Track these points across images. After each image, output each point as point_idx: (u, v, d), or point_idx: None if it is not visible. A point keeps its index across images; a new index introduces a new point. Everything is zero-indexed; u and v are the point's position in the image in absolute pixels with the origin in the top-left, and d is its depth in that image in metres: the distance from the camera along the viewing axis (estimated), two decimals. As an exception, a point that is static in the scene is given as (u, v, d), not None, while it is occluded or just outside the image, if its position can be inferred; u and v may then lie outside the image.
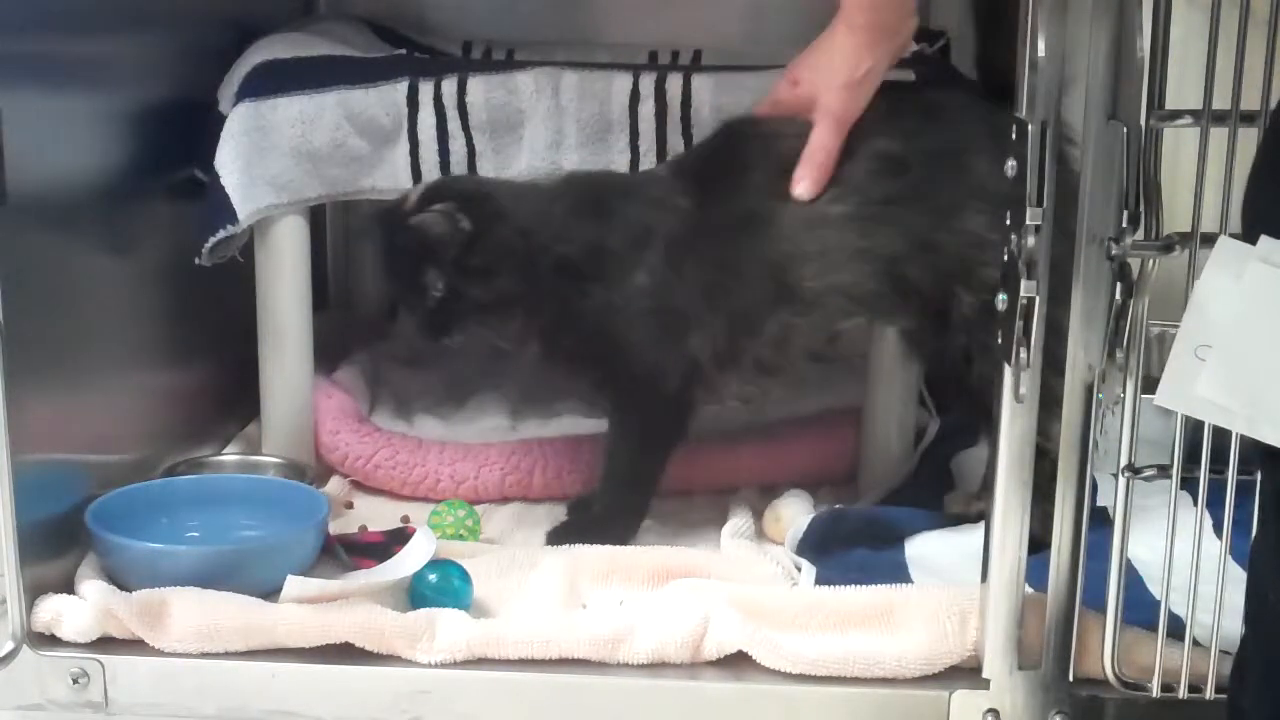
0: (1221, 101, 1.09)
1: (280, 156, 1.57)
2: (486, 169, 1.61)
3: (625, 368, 1.49)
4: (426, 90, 1.59)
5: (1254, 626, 1.02)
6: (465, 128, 1.60)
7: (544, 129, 1.60)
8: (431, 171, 1.61)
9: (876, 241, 1.44)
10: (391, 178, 1.62)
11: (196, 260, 1.59)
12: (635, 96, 1.60)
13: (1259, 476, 1.04)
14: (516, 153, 1.60)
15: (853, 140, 1.44)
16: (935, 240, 1.43)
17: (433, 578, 1.34)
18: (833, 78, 1.43)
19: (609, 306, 1.47)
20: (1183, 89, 1.12)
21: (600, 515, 1.55)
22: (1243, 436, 1.10)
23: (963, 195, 1.43)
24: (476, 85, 1.59)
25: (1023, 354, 1.14)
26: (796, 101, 1.45)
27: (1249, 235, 0.99)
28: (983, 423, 1.51)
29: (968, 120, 1.45)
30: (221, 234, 1.57)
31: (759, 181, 1.46)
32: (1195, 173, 1.09)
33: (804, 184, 1.43)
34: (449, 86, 1.59)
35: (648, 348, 1.48)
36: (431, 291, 1.47)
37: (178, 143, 1.62)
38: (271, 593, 1.31)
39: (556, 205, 1.50)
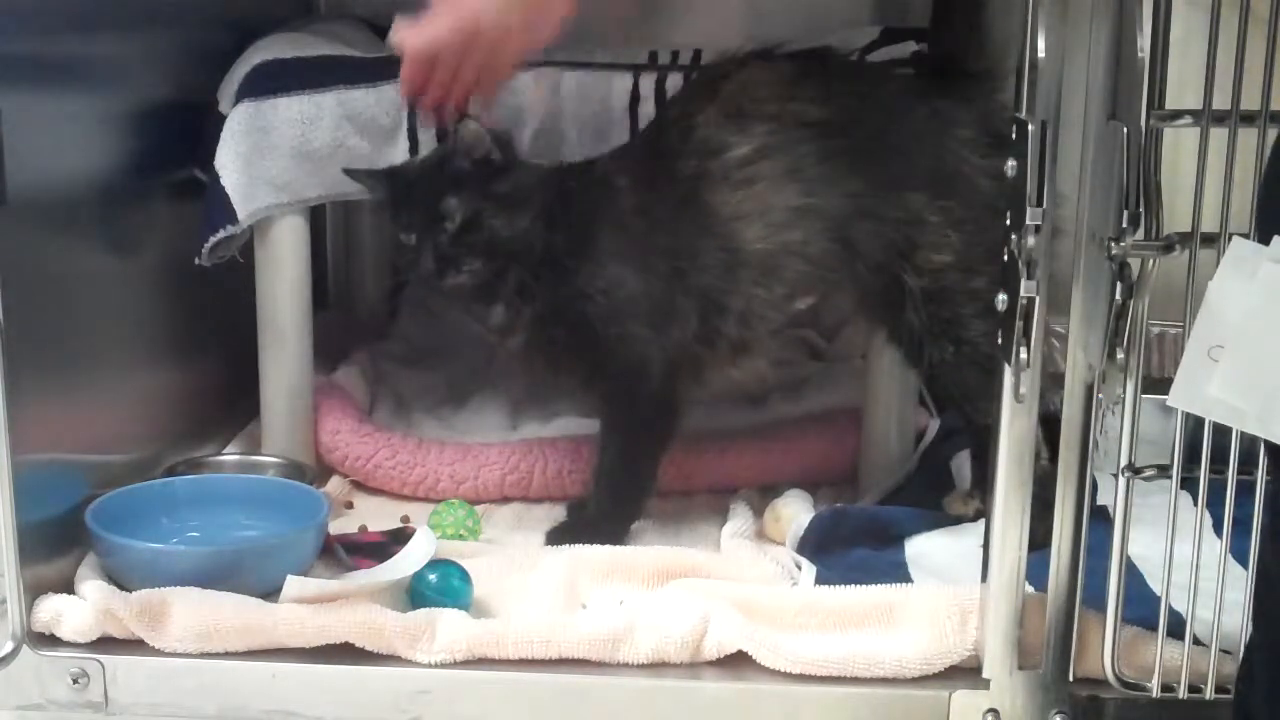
0: (1221, 101, 1.09)
1: (280, 156, 1.57)
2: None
3: (608, 361, 1.50)
4: (426, 90, 1.59)
5: (1262, 626, 1.02)
6: (466, 127, 1.60)
7: (545, 129, 1.59)
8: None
9: (817, 200, 1.46)
10: (392, 177, 1.62)
11: (196, 260, 1.59)
12: (635, 97, 1.60)
13: (1265, 476, 1.04)
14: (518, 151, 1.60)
15: (779, 101, 1.47)
16: (877, 210, 1.46)
17: (433, 578, 1.34)
18: None
19: (586, 296, 1.48)
20: (1183, 89, 1.12)
21: (594, 515, 1.55)
22: (1243, 436, 1.10)
23: (900, 171, 1.46)
24: (476, 85, 1.59)
25: (1023, 354, 1.14)
26: None
27: (1263, 236, 0.99)
28: (965, 419, 1.54)
29: (907, 96, 1.49)
30: (221, 234, 1.57)
31: (689, 150, 1.48)
32: (1195, 173, 1.09)
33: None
34: (449, 86, 1.59)
35: (627, 340, 1.49)
36: (447, 222, 1.45)
37: (178, 143, 1.62)
38: (271, 593, 1.31)
39: (541, 189, 1.50)
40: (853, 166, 1.46)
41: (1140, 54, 1.09)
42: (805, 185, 1.47)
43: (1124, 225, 1.10)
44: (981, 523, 1.26)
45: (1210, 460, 1.13)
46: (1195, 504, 1.15)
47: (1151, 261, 1.11)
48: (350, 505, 1.66)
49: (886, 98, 1.50)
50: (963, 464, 1.65)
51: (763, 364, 1.56)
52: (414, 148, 1.60)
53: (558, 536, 1.53)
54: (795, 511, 1.53)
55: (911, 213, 1.46)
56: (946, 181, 1.46)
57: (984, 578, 1.23)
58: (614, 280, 1.48)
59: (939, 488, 1.61)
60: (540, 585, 1.38)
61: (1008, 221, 1.15)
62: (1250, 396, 0.99)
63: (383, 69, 1.62)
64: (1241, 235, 1.02)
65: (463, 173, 1.45)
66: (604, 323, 1.48)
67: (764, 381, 1.61)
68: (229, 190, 1.56)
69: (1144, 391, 1.13)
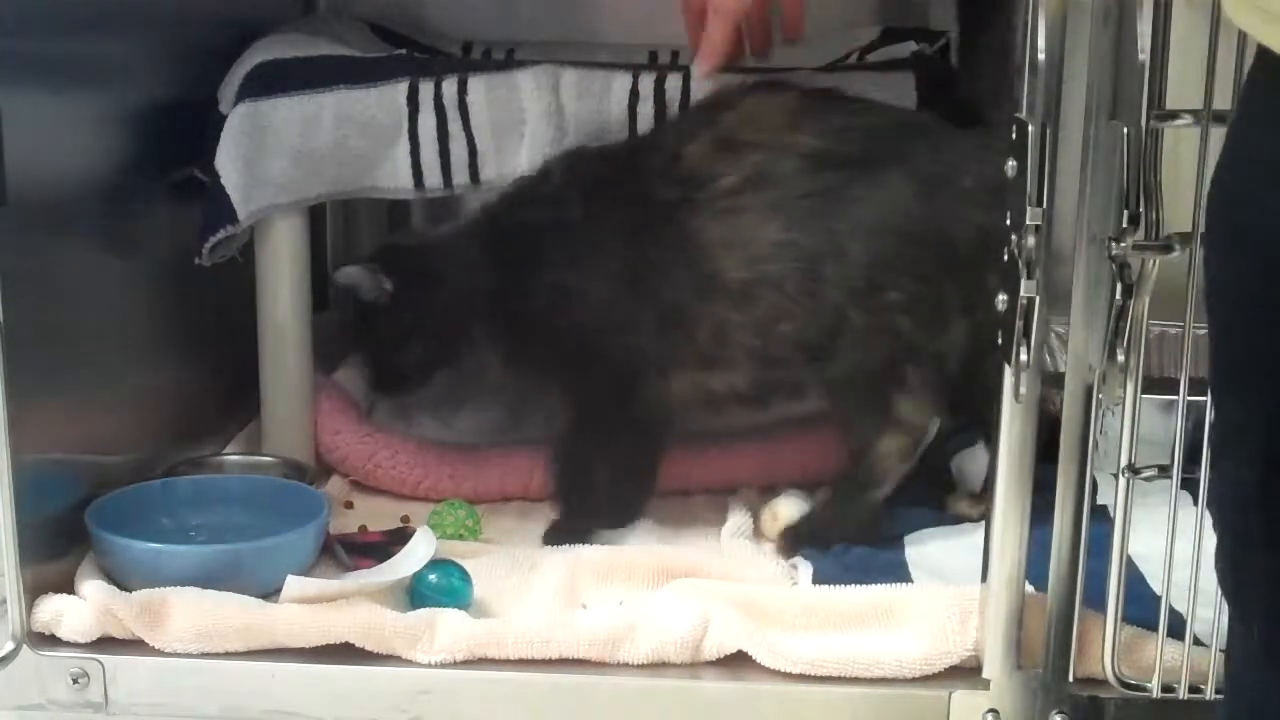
0: (1222, 101, 1.09)
1: (280, 156, 1.57)
2: (488, 168, 1.60)
3: (575, 371, 1.52)
4: (427, 90, 1.59)
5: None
6: (466, 128, 1.59)
7: (544, 127, 1.59)
8: (433, 172, 1.60)
9: (796, 235, 1.44)
10: (393, 177, 1.61)
11: (196, 260, 1.59)
12: (635, 96, 1.59)
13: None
14: (517, 151, 1.60)
15: (775, 132, 1.46)
16: (848, 250, 1.43)
17: (433, 578, 1.34)
18: None
19: (543, 312, 1.50)
20: (1183, 89, 1.12)
21: (596, 512, 1.56)
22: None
23: (884, 213, 1.43)
24: (477, 85, 1.59)
25: (1023, 354, 1.14)
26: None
27: None
28: (980, 425, 1.53)
29: (914, 139, 1.46)
30: (221, 234, 1.57)
31: (673, 178, 1.48)
32: (1195, 173, 1.09)
33: (701, 68, 1.55)
34: (449, 87, 1.59)
35: (589, 348, 1.50)
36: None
37: (178, 143, 1.62)
38: (271, 593, 1.31)
39: (475, 241, 1.55)
40: (837, 205, 1.43)
41: (1140, 54, 1.09)
42: (788, 219, 1.44)
43: (1124, 225, 1.10)
44: (982, 523, 1.26)
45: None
46: (1195, 504, 1.15)
47: (1151, 261, 1.11)
48: (350, 505, 1.66)
49: (889, 140, 1.45)
50: (963, 464, 1.65)
51: (738, 379, 1.53)
52: (415, 149, 1.60)
53: (557, 536, 1.53)
54: (793, 511, 1.53)
55: (879, 256, 1.42)
56: (930, 230, 1.42)
57: (984, 578, 1.23)
58: (565, 290, 1.49)
59: (939, 488, 1.61)
60: (540, 585, 1.38)
61: (1008, 221, 1.15)
62: None
63: (383, 69, 1.62)
64: None
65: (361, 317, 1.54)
66: (563, 333, 1.50)
67: (737, 393, 1.58)
68: (229, 190, 1.56)
69: (1144, 391, 1.13)
